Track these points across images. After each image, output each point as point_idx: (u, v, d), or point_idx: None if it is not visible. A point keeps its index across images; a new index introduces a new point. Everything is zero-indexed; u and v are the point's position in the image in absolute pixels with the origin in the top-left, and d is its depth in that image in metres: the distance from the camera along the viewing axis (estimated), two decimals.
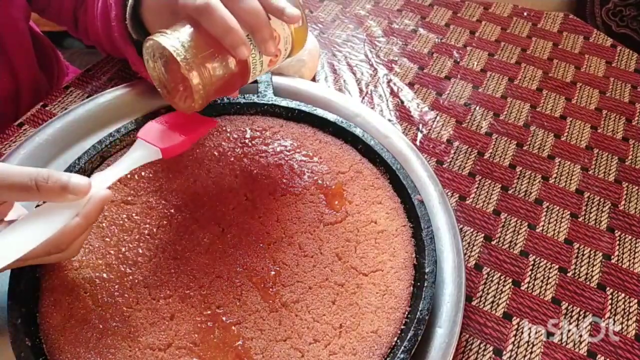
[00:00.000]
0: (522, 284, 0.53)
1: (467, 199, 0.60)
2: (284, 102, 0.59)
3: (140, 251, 0.48)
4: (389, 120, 0.65)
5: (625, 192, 0.61)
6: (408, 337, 0.44)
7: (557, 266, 0.55)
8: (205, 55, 0.43)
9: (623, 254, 0.56)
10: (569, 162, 0.64)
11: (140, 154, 0.47)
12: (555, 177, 0.62)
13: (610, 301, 0.52)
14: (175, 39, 0.43)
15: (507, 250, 0.56)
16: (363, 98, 0.69)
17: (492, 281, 0.53)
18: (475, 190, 0.60)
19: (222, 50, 0.44)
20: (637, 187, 0.61)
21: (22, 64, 0.68)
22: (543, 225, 0.58)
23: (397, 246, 0.50)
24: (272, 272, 0.47)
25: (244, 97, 0.59)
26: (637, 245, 0.57)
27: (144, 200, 0.52)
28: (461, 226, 0.57)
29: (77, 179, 0.38)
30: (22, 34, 0.68)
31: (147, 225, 0.50)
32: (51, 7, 0.70)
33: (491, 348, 0.49)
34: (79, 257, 0.47)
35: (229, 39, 0.43)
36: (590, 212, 0.59)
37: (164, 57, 0.45)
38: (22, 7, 0.67)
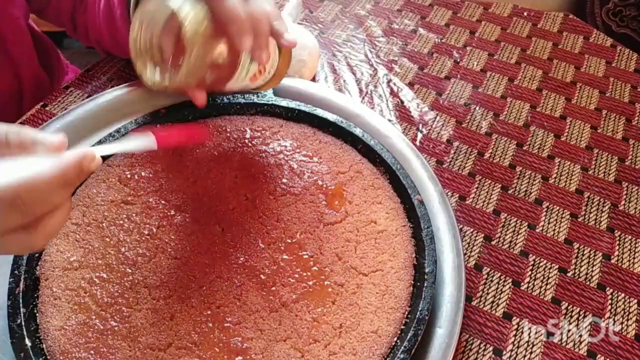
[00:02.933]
0: (522, 284, 0.53)
1: (467, 199, 0.60)
2: (284, 102, 0.59)
3: (140, 251, 0.48)
4: (389, 120, 0.65)
5: (625, 192, 0.61)
6: (408, 337, 0.44)
7: (557, 266, 0.55)
8: (208, 34, 0.44)
9: (623, 254, 0.56)
10: (569, 162, 0.64)
11: (134, 142, 0.43)
12: (555, 177, 0.62)
13: (610, 301, 0.52)
14: (187, 7, 0.43)
15: (507, 250, 0.56)
16: (363, 98, 0.69)
17: (492, 281, 0.53)
18: (475, 190, 0.60)
19: (223, 37, 0.45)
20: (637, 187, 0.61)
21: (23, 62, 0.68)
22: (543, 225, 0.58)
23: (397, 246, 0.50)
24: (272, 272, 0.47)
25: (244, 97, 0.59)
26: (637, 245, 0.57)
27: (144, 200, 0.52)
28: (461, 226, 0.57)
29: (50, 135, 0.35)
30: (23, 32, 0.68)
31: (147, 225, 0.50)
32: (49, 7, 0.70)
33: (491, 348, 0.49)
34: (79, 257, 0.47)
35: (236, 27, 0.43)
36: (590, 212, 0.59)
37: (163, 23, 0.45)
38: (21, 5, 0.67)
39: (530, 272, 0.54)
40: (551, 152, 0.65)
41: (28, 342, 0.42)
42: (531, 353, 0.49)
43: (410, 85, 0.71)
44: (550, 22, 0.81)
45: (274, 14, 0.48)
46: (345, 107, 0.62)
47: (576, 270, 0.55)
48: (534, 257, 0.55)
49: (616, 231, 0.58)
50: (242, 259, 0.48)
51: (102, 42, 0.67)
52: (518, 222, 0.58)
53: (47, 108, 0.64)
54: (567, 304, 0.52)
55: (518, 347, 0.49)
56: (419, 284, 0.48)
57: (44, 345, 0.43)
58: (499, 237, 0.57)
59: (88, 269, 0.47)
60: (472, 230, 0.57)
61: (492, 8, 0.83)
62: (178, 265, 0.48)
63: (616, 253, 0.56)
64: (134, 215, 0.50)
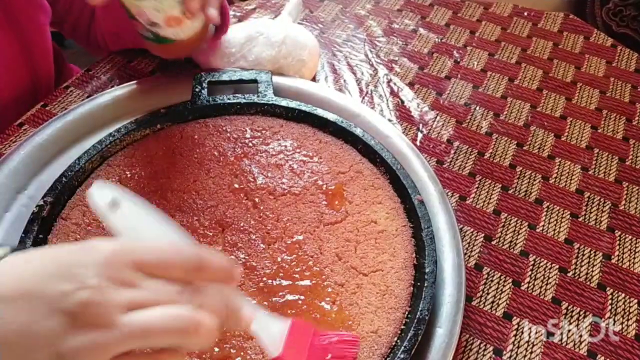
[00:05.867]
0: (522, 284, 0.53)
1: (467, 199, 0.60)
2: (284, 102, 0.59)
3: None
4: (389, 120, 0.65)
5: (625, 192, 0.61)
6: (408, 337, 0.43)
7: (557, 266, 0.55)
8: None
9: (623, 254, 0.56)
10: (569, 162, 0.64)
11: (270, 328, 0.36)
12: (556, 177, 0.62)
13: (610, 301, 0.52)
14: None
15: (507, 250, 0.56)
16: (363, 98, 0.69)
17: (492, 281, 0.53)
18: (476, 190, 0.60)
19: None
20: (637, 187, 0.61)
21: (43, 65, 0.69)
22: (543, 225, 0.58)
23: (397, 246, 0.50)
24: (272, 272, 0.47)
25: (244, 97, 0.59)
26: (637, 245, 0.57)
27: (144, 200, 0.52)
28: (461, 226, 0.57)
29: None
30: (47, 39, 0.69)
31: None
32: (70, 16, 0.71)
33: (491, 348, 0.49)
34: None
35: None
36: (591, 212, 0.59)
37: None
38: (48, 13, 0.67)
39: (530, 272, 0.54)
40: (551, 152, 0.65)
41: None
42: (531, 353, 0.49)
43: (411, 85, 0.71)
44: (551, 22, 0.81)
45: None
46: (346, 107, 0.62)
47: (576, 270, 0.54)
48: (534, 257, 0.55)
49: (616, 231, 0.58)
50: (242, 258, 0.48)
51: (118, 39, 0.68)
52: (518, 222, 0.58)
53: (47, 108, 0.64)
54: (567, 304, 0.52)
55: (518, 347, 0.49)
56: (419, 284, 0.48)
57: None
58: (499, 237, 0.57)
59: None
60: (472, 230, 0.57)
61: (493, 8, 0.83)
62: None
63: (616, 253, 0.56)
64: None
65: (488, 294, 0.53)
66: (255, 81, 0.61)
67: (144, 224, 0.34)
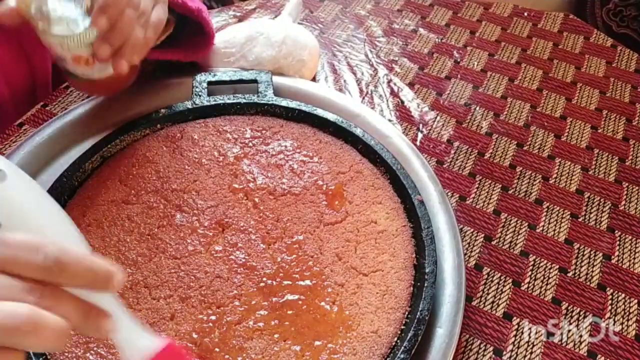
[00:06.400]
0: (522, 284, 0.53)
1: (467, 199, 0.60)
2: (284, 102, 0.59)
3: (140, 251, 0.48)
4: (389, 120, 0.65)
5: (625, 192, 0.61)
6: (408, 337, 0.43)
7: (557, 266, 0.55)
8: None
9: (623, 254, 0.56)
10: (569, 162, 0.64)
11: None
12: (556, 177, 0.62)
13: (610, 301, 0.52)
14: None
15: (507, 251, 0.56)
16: (363, 98, 0.69)
17: (492, 281, 0.53)
18: (476, 190, 0.60)
19: None
20: (637, 187, 0.61)
21: (41, 69, 0.69)
22: (543, 226, 0.58)
23: (397, 246, 0.50)
24: (272, 272, 0.47)
25: (244, 97, 0.59)
26: (637, 245, 0.57)
27: (144, 200, 0.52)
28: (461, 226, 0.57)
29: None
30: None
31: (147, 225, 0.50)
32: None
33: (491, 348, 0.49)
34: None
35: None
36: (591, 212, 0.59)
37: None
38: None
39: (530, 272, 0.54)
40: (551, 152, 0.65)
41: None
42: (531, 353, 0.49)
43: (411, 85, 0.71)
44: (551, 22, 0.81)
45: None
46: (346, 107, 0.62)
47: (576, 271, 0.54)
48: (534, 257, 0.55)
49: (616, 231, 0.58)
50: (242, 258, 0.48)
51: None
52: (518, 222, 0.58)
53: (47, 108, 0.64)
54: (567, 304, 0.52)
55: (518, 347, 0.49)
56: (419, 284, 0.48)
57: None
58: (499, 237, 0.57)
59: None
60: (472, 230, 0.57)
61: (493, 8, 0.83)
62: (178, 265, 0.48)
63: (616, 253, 0.56)
64: (134, 215, 0.50)
65: (488, 294, 0.53)
66: (255, 81, 0.61)
67: (29, 206, 0.30)
